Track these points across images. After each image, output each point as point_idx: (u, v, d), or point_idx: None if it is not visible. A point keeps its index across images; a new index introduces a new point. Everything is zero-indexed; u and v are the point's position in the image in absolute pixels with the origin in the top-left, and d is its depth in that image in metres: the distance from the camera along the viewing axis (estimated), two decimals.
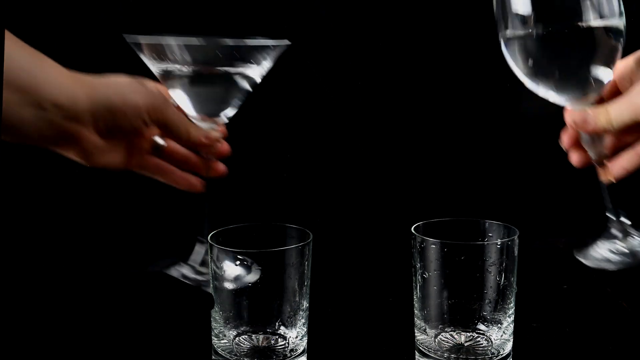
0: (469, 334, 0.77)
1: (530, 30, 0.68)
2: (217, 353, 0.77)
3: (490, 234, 0.80)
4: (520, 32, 0.69)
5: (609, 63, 0.69)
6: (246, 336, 0.76)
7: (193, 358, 0.82)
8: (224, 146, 0.80)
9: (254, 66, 0.74)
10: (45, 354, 0.83)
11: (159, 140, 0.79)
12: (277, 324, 0.76)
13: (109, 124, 0.71)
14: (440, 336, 0.77)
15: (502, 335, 0.77)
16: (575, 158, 0.76)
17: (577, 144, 0.75)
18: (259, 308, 0.75)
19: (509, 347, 0.77)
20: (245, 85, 0.75)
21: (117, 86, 0.71)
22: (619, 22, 0.68)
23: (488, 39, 1.14)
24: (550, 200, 1.18)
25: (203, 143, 0.76)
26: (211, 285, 0.77)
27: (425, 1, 1.14)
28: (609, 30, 0.68)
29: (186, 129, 0.75)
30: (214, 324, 0.77)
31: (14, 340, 0.86)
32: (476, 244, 0.77)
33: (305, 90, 1.17)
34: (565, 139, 0.75)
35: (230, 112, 0.77)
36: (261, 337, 0.76)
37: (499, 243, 0.76)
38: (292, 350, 0.76)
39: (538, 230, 1.08)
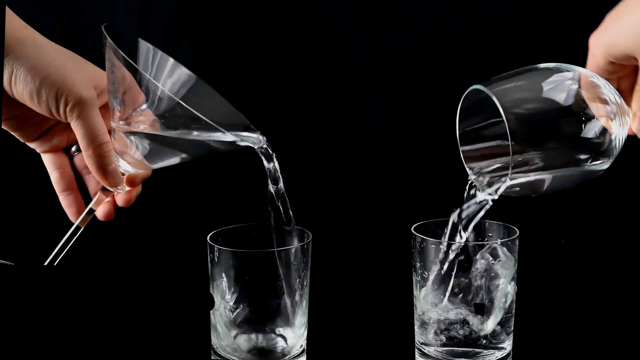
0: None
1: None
2: (216, 353, 0.77)
3: (490, 234, 0.80)
4: None
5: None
6: (246, 336, 0.76)
7: (193, 358, 0.82)
8: (126, 196, 0.76)
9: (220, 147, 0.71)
10: (44, 353, 0.83)
11: (74, 148, 0.78)
12: (277, 323, 0.76)
13: (30, 86, 0.69)
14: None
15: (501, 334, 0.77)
16: None
17: None
18: (258, 308, 0.75)
19: (508, 345, 0.77)
20: (203, 150, 0.72)
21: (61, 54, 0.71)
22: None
23: (488, 42, 1.14)
24: (550, 200, 1.18)
25: (105, 173, 0.72)
26: (211, 286, 0.77)
27: (428, 1, 1.14)
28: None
29: (98, 141, 0.71)
30: (213, 324, 0.77)
31: (13, 340, 0.86)
32: (476, 244, 0.77)
33: (305, 90, 1.17)
34: None
35: (162, 165, 0.74)
36: (261, 337, 0.76)
37: (498, 243, 0.76)
38: (291, 350, 0.76)
39: (538, 230, 1.08)
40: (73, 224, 0.77)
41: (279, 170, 0.74)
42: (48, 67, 0.70)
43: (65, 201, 0.78)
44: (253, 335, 0.76)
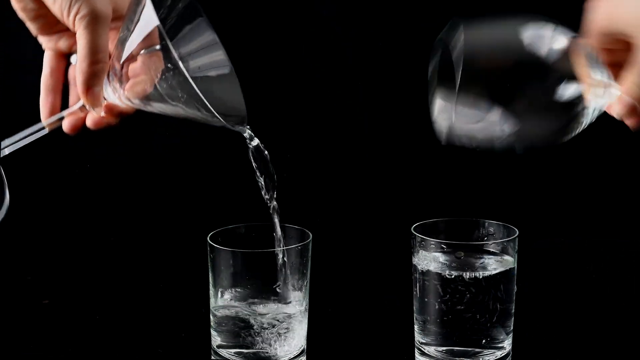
0: None
1: None
2: (216, 353, 0.77)
3: (490, 234, 0.80)
4: None
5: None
6: (246, 335, 0.76)
7: (193, 358, 0.82)
8: (97, 119, 0.74)
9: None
10: (44, 353, 0.83)
11: (73, 58, 0.77)
12: (276, 323, 0.76)
13: None
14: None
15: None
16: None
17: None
18: (258, 308, 0.75)
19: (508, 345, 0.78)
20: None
21: None
22: None
23: None
24: (550, 200, 1.18)
25: (88, 91, 0.71)
26: None
27: (427, 1, 1.14)
28: None
29: (95, 59, 0.70)
30: (213, 324, 0.77)
31: (13, 339, 0.86)
32: (476, 243, 0.77)
33: (305, 90, 1.17)
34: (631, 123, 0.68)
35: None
36: (260, 336, 0.76)
37: (498, 243, 0.76)
38: (291, 350, 0.76)
39: (538, 230, 1.08)
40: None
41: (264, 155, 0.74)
42: None
43: (44, 100, 0.78)
44: (253, 336, 0.76)
